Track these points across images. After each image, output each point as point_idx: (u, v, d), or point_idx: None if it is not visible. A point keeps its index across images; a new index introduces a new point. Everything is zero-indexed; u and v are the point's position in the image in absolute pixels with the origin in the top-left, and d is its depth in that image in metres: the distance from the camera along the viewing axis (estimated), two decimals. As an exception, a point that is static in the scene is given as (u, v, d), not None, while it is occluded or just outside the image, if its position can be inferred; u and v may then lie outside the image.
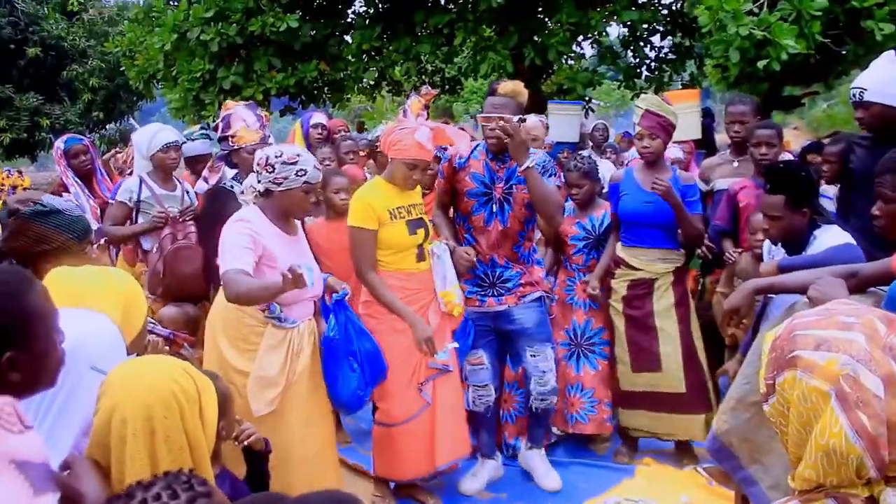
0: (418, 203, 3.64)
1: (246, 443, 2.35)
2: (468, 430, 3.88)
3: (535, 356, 3.89)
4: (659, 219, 4.05)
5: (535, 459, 4.09)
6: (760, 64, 6.19)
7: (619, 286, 4.22)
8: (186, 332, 3.16)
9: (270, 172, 3.09)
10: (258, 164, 3.14)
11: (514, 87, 3.72)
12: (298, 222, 3.40)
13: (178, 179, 4.58)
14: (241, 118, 4.21)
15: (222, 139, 4.26)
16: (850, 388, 1.18)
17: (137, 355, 1.98)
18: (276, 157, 3.10)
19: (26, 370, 1.45)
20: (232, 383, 2.99)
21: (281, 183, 3.10)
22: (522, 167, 3.62)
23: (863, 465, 1.18)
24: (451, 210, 4.08)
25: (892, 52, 3.84)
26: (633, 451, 4.36)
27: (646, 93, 4.34)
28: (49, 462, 1.38)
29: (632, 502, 3.78)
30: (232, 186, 4.24)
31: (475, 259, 3.80)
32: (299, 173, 3.10)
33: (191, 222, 4.37)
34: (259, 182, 3.15)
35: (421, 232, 3.59)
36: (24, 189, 5.47)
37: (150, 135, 4.46)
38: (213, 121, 9.82)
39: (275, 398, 3.11)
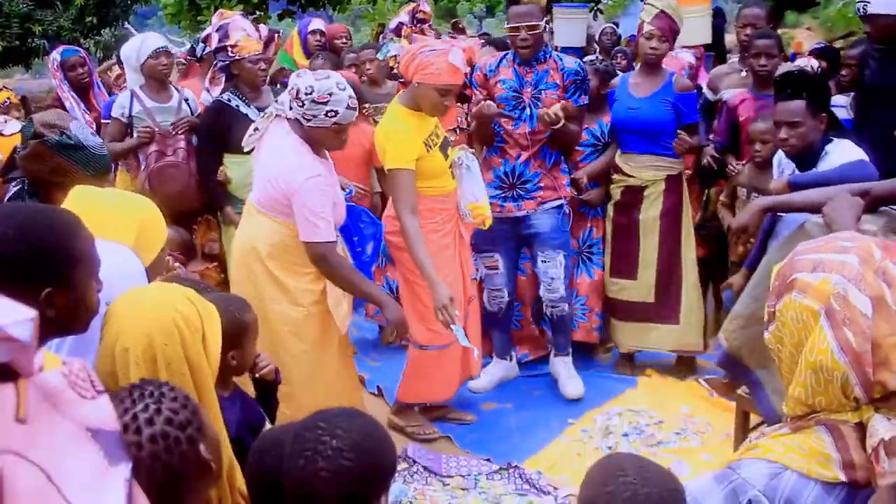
0: (437, 124, 3.49)
1: (259, 375, 2.34)
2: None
3: (545, 262, 3.93)
4: (644, 125, 4.02)
5: (559, 366, 4.13)
6: None
7: (615, 192, 4.25)
8: (180, 253, 3.13)
9: (301, 106, 2.89)
10: (290, 91, 2.93)
11: None
12: None
13: (175, 88, 4.43)
14: (241, 27, 4.07)
15: (219, 50, 4.12)
16: (838, 307, 1.20)
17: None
18: (307, 93, 2.86)
19: (62, 309, 1.46)
20: (300, 306, 2.98)
21: (310, 119, 2.90)
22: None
23: (847, 383, 1.21)
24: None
25: None
26: (632, 363, 4.42)
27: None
28: (120, 428, 1.38)
29: (633, 412, 3.84)
30: (229, 100, 4.11)
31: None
32: (329, 114, 2.87)
33: (182, 136, 4.21)
34: (291, 109, 2.96)
35: (450, 151, 3.50)
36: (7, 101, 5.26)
37: (138, 44, 4.32)
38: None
39: (347, 312, 3.11)
